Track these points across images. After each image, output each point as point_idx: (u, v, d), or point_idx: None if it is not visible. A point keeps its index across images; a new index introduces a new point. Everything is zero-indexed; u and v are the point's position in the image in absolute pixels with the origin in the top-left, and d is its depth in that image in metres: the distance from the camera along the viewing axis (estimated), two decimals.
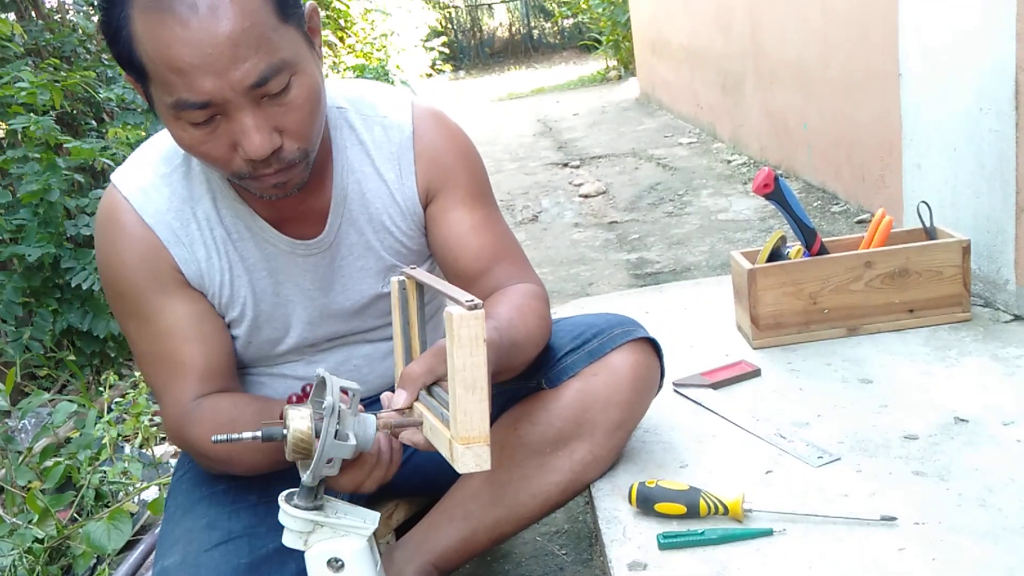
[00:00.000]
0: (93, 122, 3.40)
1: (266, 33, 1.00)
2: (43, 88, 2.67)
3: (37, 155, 2.63)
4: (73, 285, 2.64)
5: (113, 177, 1.22)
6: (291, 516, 0.94)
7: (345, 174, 1.25)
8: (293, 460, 0.92)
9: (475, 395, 0.88)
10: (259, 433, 0.92)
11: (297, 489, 0.96)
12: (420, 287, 1.08)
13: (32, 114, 2.64)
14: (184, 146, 1.08)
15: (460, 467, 0.89)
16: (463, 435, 0.88)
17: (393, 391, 1.02)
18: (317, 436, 0.90)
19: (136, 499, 2.02)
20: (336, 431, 0.91)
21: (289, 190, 1.12)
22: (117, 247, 1.20)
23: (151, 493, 2.04)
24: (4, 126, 2.75)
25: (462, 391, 0.88)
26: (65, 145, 2.69)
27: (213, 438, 0.94)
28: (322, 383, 0.93)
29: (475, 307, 0.87)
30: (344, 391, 0.94)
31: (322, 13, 7.11)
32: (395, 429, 0.97)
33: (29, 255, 2.54)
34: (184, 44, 0.97)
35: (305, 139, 1.08)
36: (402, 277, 1.10)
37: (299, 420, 0.91)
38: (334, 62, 7.47)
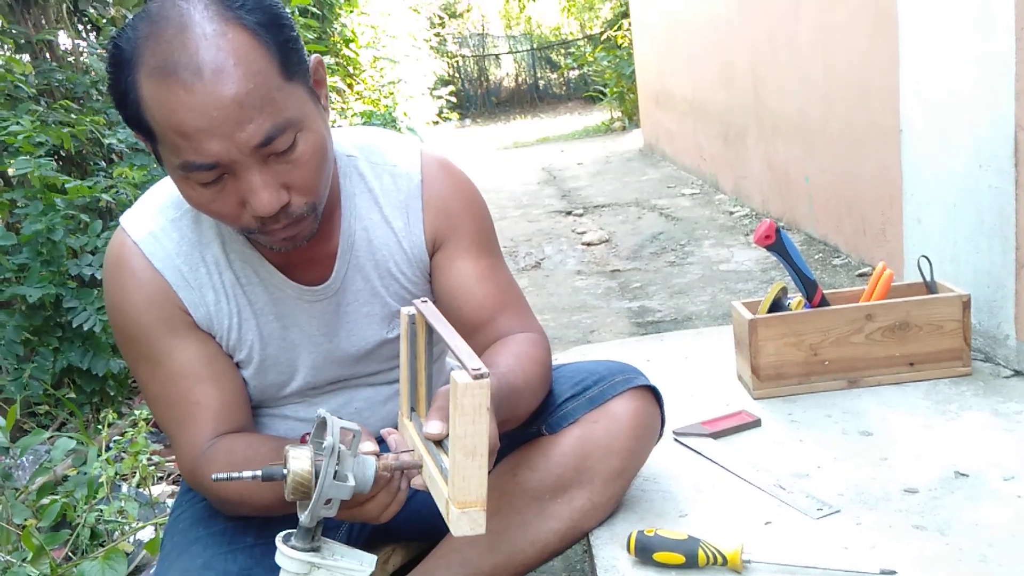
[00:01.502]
0: (103, 163, 3.44)
1: (271, 94, 1.01)
2: (42, 132, 2.70)
3: (37, 196, 2.65)
4: (75, 326, 2.64)
5: (123, 220, 1.23)
6: (288, 557, 0.94)
7: (353, 221, 1.26)
8: (292, 500, 0.92)
9: (474, 461, 0.88)
10: (259, 472, 0.92)
11: (295, 530, 0.96)
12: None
13: (38, 157, 2.66)
14: (193, 204, 1.09)
15: (455, 530, 0.89)
16: (460, 499, 0.89)
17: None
18: (317, 476, 0.90)
19: (132, 539, 2.00)
20: (336, 472, 0.91)
21: (299, 242, 1.14)
22: (126, 291, 1.21)
23: (147, 533, 2.03)
24: (4, 167, 2.77)
25: (462, 457, 0.88)
26: (63, 185, 2.71)
27: (213, 476, 0.94)
28: (323, 424, 0.94)
29: (481, 376, 0.87)
30: (346, 431, 0.94)
31: (331, 60, 7.21)
32: (395, 472, 0.97)
33: (30, 296, 2.55)
34: (189, 109, 0.98)
35: (313, 193, 1.09)
36: (413, 311, 1.10)
37: (299, 460, 0.91)
38: (342, 108, 7.55)
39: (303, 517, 0.91)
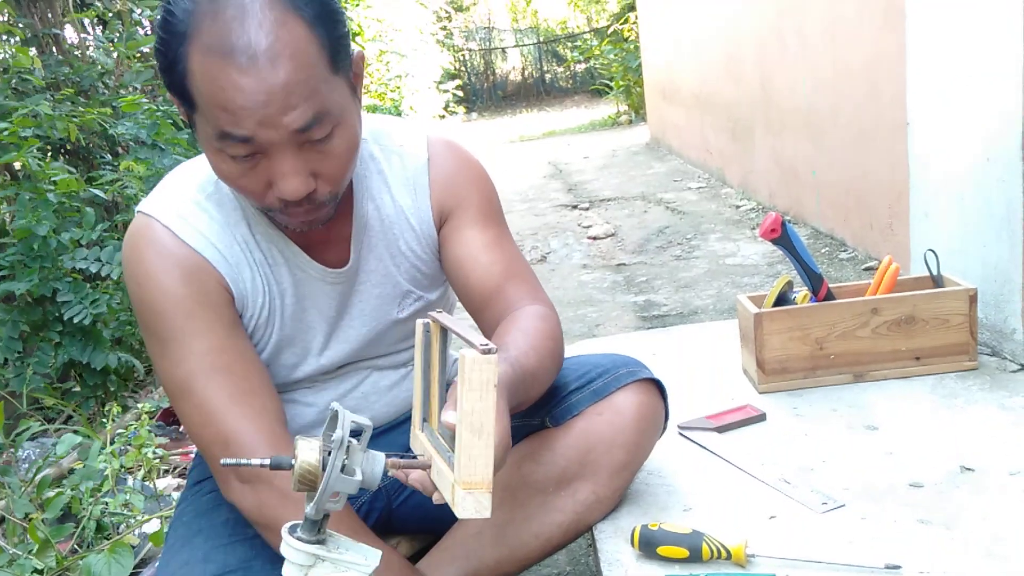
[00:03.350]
0: (108, 156, 3.44)
1: (318, 85, 1.03)
2: (57, 120, 2.70)
3: (26, 190, 2.65)
4: (66, 319, 2.64)
5: (142, 207, 1.21)
6: (293, 548, 0.94)
7: (365, 202, 1.28)
8: (299, 491, 0.92)
9: (481, 439, 0.88)
10: (268, 460, 0.92)
11: (301, 522, 0.96)
12: (444, 332, 1.08)
13: (41, 148, 2.66)
14: (222, 176, 1.10)
15: (460, 512, 0.88)
16: (465, 480, 0.88)
17: (401, 423, 1.01)
18: (325, 469, 0.90)
19: (137, 531, 2.01)
20: (344, 466, 0.91)
21: (315, 225, 1.16)
22: (157, 270, 1.17)
23: (152, 526, 2.03)
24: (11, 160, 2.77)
25: (468, 435, 0.88)
26: (53, 178, 2.70)
27: (222, 461, 0.93)
28: (335, 417, 0.93)
29: (489, 351, 0.87)
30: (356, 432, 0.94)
31: None
32: (404, 469, 0.97)
33: (17, 289, 2.55)
34: (239, 90, 1.00)
35: (338, 184, 1.12)
36: (428, 321, 1.09)
37: (308, 452, 0.91)
38: None
39: (309, 509, 0.91)
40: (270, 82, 1.00)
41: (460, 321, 1.03)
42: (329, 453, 0.90)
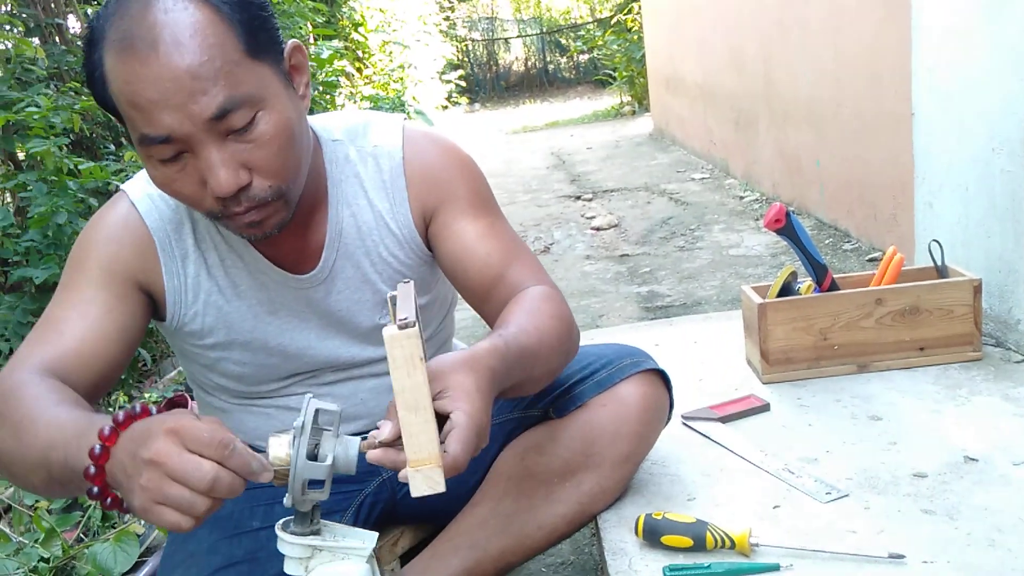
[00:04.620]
0: (112, 146, 3.44)
1: (227, 67, 1.00)
2: (59, 111, 2.70)
3: (50, 178, 2.66)
4: None
5: (123, 186, 1.25)
6: (289, 543, 0.94)
7: (340, 208, 1.25)
8: (279, 486, 0.92)
9: (418, 416, 0.87)
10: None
11: (292, 517, 0.96)
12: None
13: (51, 137, 2.67)
14: (157, 184, 1.08)
15: (414, 491, 0.87)
16: (412, 458, 0.87)
17: None
18: None
19: (142, 520, 2.01)
20: (317, 453, 0.91)
21: (267, 230, 1.11)
22: (100, 224, 1.21)
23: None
24: (23, 149, 2.78)
25: (404, 413, 0.87)
26: (79, 167, 2.72)
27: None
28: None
29: (406, 325, 0.86)
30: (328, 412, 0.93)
31: (339, 44, 7.19)
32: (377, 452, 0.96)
33: (36, 277, 2.56)
34: (143, 80, 0.98)
35: (277, 176, 1.07)
36: (395, 293, 1.08)
37: (277, 447, 0.91)
38: (351, 92, 7.54)
39: (286, 500, 0.91)
40: (173, 67, 0.97)
41: (406, 296, 0.98)
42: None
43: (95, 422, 0.92)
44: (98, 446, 0.89)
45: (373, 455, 0.91)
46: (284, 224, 1.12)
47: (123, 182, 2.81)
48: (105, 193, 3.02)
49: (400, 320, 0.87)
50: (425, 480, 0.87)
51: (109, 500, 0.91)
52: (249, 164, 1.04)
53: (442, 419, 0.92)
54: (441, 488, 0.87)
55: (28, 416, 1.00)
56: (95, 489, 0.90)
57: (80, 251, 1.20)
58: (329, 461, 0.90)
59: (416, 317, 0.89)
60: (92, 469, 0.89)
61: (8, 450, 1.02)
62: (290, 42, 1.12)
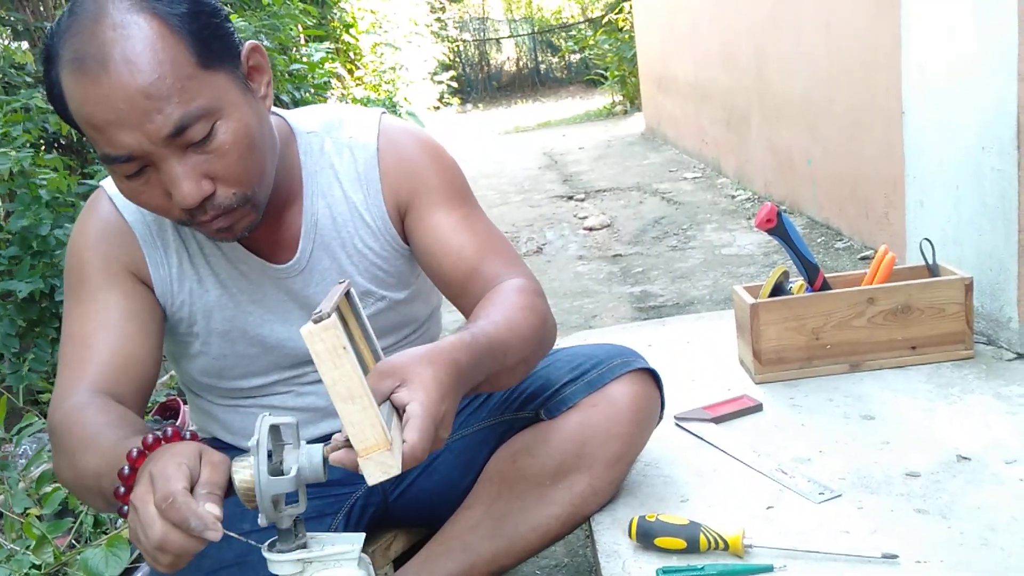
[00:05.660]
0: None
1: (180, 82, 0.99)
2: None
3: (19, 188, 2.63)
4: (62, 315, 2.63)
5: (101, 182, 1.25)
6: (278, 562, 0.93)
7: (316, 199, 1.25)
8: (252, 509, 0.91)
9: (355, 404, 0.86)
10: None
11: (276, 537, 0.95)
12: (353, 300, 1.05)
13: (13, 152, 2.64)
14: (125, 196, 1.09)
15: (369, 480, 0.87)
16: (359, 448, 0.86)
17: None
18: None
19: None
20: (282, 468, 0.90)
21: (238, 233, 1.12)
22: (85, 228, 1.22)
23: None
24: None
25: (340, 405, 0.86)
26: (40, 177, 2.68)
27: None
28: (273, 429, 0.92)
29: (320, 319, 0.85)
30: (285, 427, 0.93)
31: (331, 46, 7.17)
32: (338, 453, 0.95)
33: (20, 291, 2.54)
34: (97, 101, 0.98)
35: (240, 183, 1.07)
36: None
37: (241, 470, 0.90)
38: (343, 94, 7.53)
39: (260, 519, 0.91)
40: (124, 86, 0.97)
41: (332, 294, 0.97)
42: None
43: (134, 445, 0.94)
44: (127, 467, 0.92)
45: (335, 457, 0.90)
46: (254, 226, 1.13)
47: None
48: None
49: (315, 314, 0.86)
50: (378, 466, 0.87)
51: None
52: (211, 174, 1.05)
53: (403, 414, 0.91)
54: (396, 471, 0.87)
55: (80, 445, 1.04)
56: (125, 508, 0.92)
57: (75, 260, 1.21)
58: (293, 473, 0.90)
59: (335, 309, 0.88)
60: (122, 489, 0.92)
61: (68, 480, 1.08)
62: (247, 43, 1.12)
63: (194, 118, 1.01)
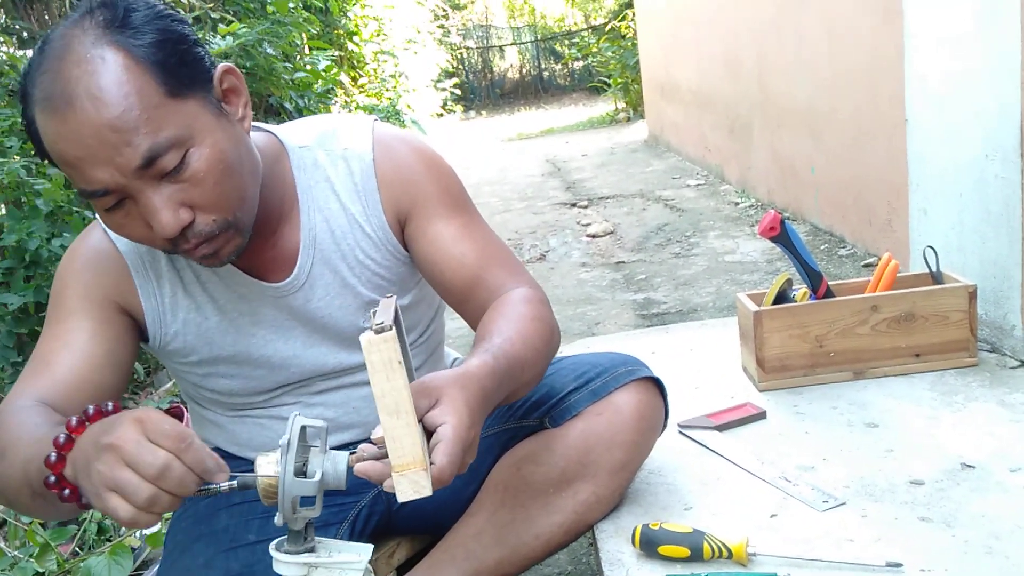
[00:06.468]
0: None
1: (147, 113, 0.99)
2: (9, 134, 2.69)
3: (10, 201, 2.64)
4: None
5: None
6: (285, 563, 0.93)
7: (313, 214, 1.24)
8: (270, 505, 0.91)
9: (400, 419, 0.86)
10: (235, 482, 0.91)
11: (285, 537, 0.95)
12: (399, 316, 1.05)
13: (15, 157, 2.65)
14: (110, 229, 1.10)
15: (399, 496, 0.87)
16: (396, 463, 0.87)
17: None
18: None
19: (138, 534, 2.01)
20: (306, 470, 0.90)
21: (224, 259, 1.11)
22: (74, 256, 1.22)
23: (151, 528, 2.03)
24: None
25: (386, 417, 0.86)
26: (35, 187, 2.68)
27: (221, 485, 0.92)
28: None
29: (382, 330, 0.86)
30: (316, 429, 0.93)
31: (335, 53, 7.18)
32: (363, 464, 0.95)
33: (11, 303, 2.55)
34: (67, 138, 0.98)
35: (218, 209, 1.06)
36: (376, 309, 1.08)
37: (265, 466, 0.90)
38: (346, 102, 7.55)
39: (277, 519, 0.91)
40: (90, 122, 0.97)
41: (387, 307, 0.97)
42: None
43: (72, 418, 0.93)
44: (63, 435, 0.90)
45: (361, 468, 0.90)
46: (241, 249, 1.13)
47: None
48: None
49: (376, 324, 0.87)
50: (411, 484, 0.87)
51: (67, 492, 0.92)
52: (188, 202, 1.04)
53: (432, 434, 0.92)
54: (427, 492, 0.87)
55: (10, 439, 1.02)
56: (52, 477, 0.90)
57: (59, 284, 1.22)
58: (318, 477, 0.90)
59: (393, 323, 0.89)
60: (53, 456, 0.90)
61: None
62: (220, 66, 1.11)
63: (164, 148, 1.00)
